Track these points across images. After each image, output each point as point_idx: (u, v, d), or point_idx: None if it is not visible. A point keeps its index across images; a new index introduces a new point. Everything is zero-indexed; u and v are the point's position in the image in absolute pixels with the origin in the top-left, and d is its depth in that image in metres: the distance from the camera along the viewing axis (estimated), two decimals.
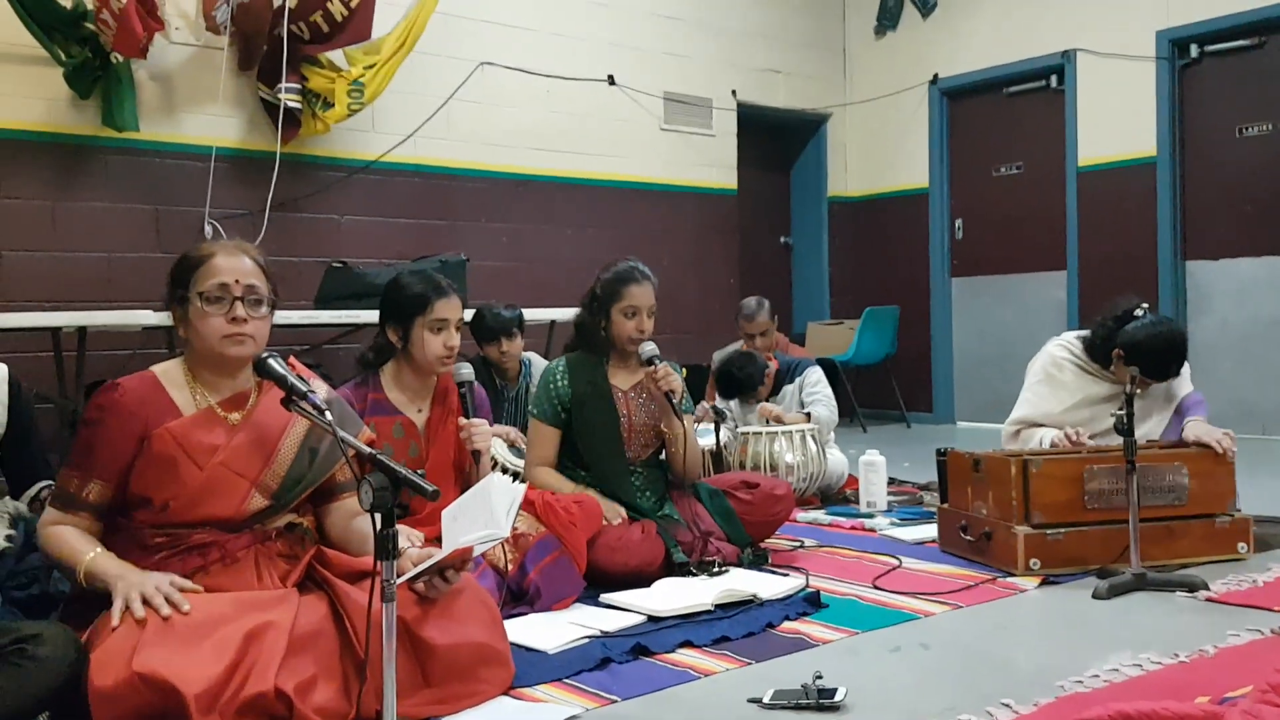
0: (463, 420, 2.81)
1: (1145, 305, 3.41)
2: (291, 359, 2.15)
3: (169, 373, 2.14)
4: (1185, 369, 3.48)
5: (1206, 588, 2.80)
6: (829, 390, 4.61)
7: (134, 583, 1.90)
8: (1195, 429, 3.29)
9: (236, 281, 2.08)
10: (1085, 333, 3.58)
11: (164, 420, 2.06)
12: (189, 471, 2.04)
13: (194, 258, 2.12)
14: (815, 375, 4.64)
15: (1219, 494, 3.17)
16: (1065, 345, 3.58)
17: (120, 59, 4.73)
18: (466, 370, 2.87)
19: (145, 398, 2.07)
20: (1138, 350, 3.27)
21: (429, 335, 2.79)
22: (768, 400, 4.61)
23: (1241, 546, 3.16)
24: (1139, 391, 3.17)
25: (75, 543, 2.01)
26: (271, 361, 2.02)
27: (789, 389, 4.62)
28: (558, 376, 3.26)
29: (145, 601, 1.86)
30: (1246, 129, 6.37)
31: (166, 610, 1.84)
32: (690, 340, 6.74)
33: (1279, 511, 3.79)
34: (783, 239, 8.48)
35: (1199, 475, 3.14)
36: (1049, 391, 3.53)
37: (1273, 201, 6.25)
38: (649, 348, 3.21)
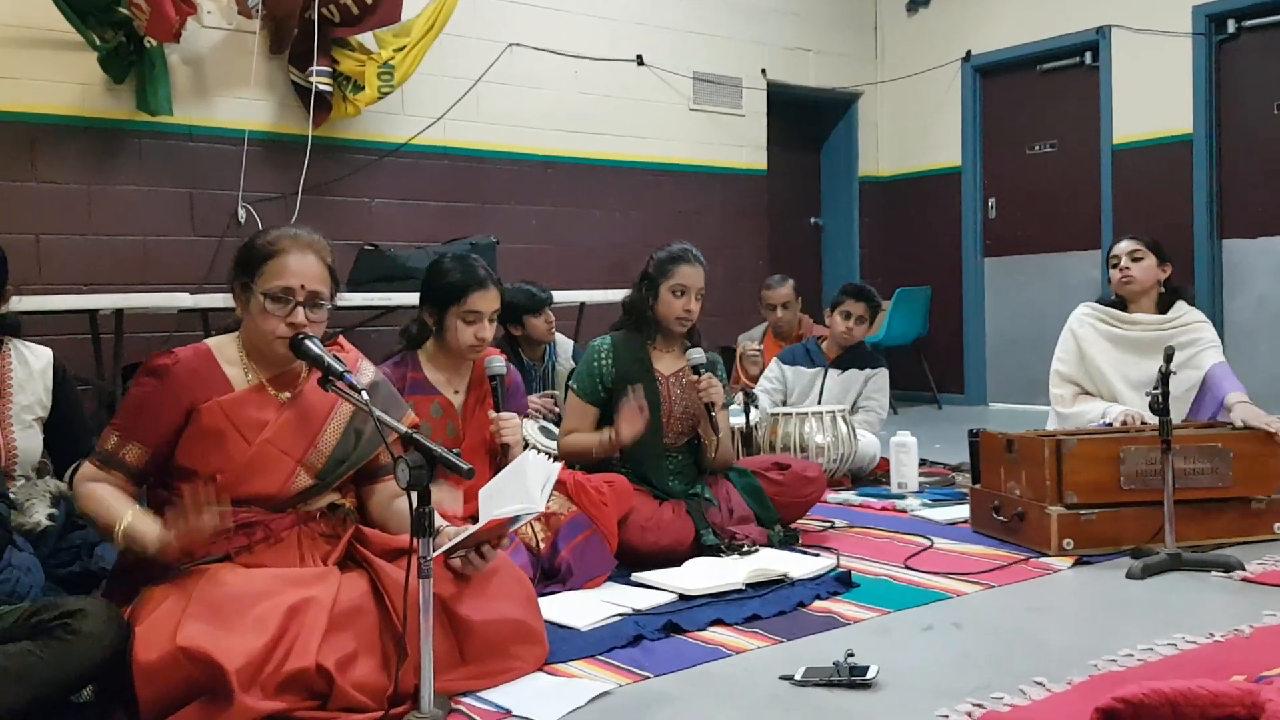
0: (492, 414, 2.82)
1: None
2: (340, 340, 2.17)
3: (223, 348, 2.17)
4: (1216, 339, 3.59)
5: (1242, 568, 2.78)
6: (887, 398, 4.59)
7: (176, 527, 1.90)
8: (1245, 412, 3.26)
9: (302, 287, 2.09)
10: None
11: (214, 394, 2.08)
12: (237, 446, 2.06)
13: (264, 249, 2.11)
14: (883, 379, 4.59)
15: (1265, 476, 3.13)
16: (1087, 305, 3.79)
17: (154, 43, 4.77)
18: (499, 364, 2.86)
19: (198, 369, 2.10)
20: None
21: (461, 325, 2.79)
22: (831, 365, 4.59)
23: (1277, 527, 3.13)
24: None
25: (113, 502, 2.02)
26: (308, 343, 2.04)
27: (856, 374, 4.57)
28: (603, 355, 3.26)
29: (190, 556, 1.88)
30: None
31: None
32: (719, 323, 6.70)
33: None
34: (813, 220, 8.43)
35: (1244, 457, 3.10)
36: (1073, 345, 3.73)
37: None
38: (698, 354, 3.21)
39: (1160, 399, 2.76)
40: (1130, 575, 2.76)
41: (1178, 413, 3.34)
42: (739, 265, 7.24)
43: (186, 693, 1.78)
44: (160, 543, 1.92)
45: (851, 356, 4.62)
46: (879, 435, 4.54)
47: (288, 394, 2.15)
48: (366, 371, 2.20)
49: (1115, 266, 3.64)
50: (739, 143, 7.37)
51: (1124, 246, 3.66)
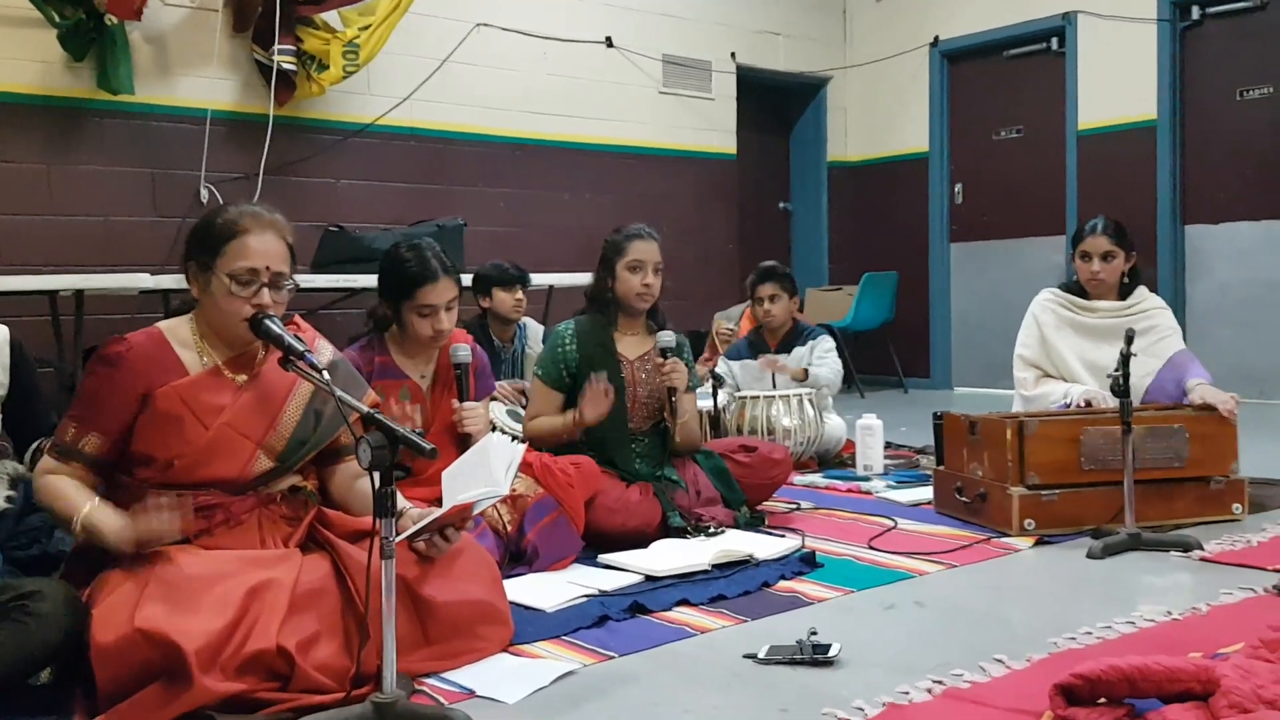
0: (455, 404, 2.79)
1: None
2: (297, 319, 2.15)
3: (176, 330, 2.14)
4: (1176, 326, 3.65)
5: (1200, 547, 2.82)
6: (838, 358, 4.62)
7: (137, 527, 1.89)
8: (1203, 390, 3.31)
9: (267, 268, 2.06)
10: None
11: (169, 379, 2.05)
12: (194, 430, 2.04)
13: (225, 228, 2.07)
14: (828, 343, 4.65)
15: (1219, 456, 3.18)
16: (1049, 290, 3.80)
17: (114, 21, 4.70)
18: (464, 353, 2.81)
19: (151, 354, 2.07)
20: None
21: (416, 319, 2.73)
22: (775, 352, 4.64)
23: (1236, 507, 3.18)
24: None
25: (72, 494, 2.00)
26: (268, 322, 2.02)
27: (800, 350, 4.62)
28: (566, 340, 3.26)
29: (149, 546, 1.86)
30: (1247, 92, 6.34)
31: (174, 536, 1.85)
32: (688, 306, 6.72)
33: (1274, 474, 3.82)
34: (782, 204, 8.45)
35: (1200, 437, 3.15)
36: (1035, 331, 3.75)
37: (1273, 165, 6.22)
38: (667, 337, 3.21)
39: (1121, 381, 2.79)
40: (1090, 555, 2.79)
41: (1136, 398, 3.41)
42: (709, 249, 7.24)
43: (145, 674, 1.76)
44: (117, 537, 1.90)
45: (791, 337, 4.67)
46: (845, 419, 4.57)
47: (244, 376, 2.12)
48: (325, 351, 2.18)
49: (1086, 260, 3.64)
50: (708, 126, 7.37)
51: (1098, 244, 3.62)
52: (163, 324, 2.16)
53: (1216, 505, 3.16)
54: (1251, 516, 3.20)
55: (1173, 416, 3.18)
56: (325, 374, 1.93)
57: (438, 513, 1.96)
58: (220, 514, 2.05)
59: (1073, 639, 2.14)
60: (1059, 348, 3.65)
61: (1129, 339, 2.84)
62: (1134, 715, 1.70)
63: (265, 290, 2.05)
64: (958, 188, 7.77)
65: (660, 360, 3.20)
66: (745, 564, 2.75)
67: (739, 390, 4.50)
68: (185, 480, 2.03)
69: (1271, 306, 6.27)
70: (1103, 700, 1.72)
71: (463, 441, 2.74)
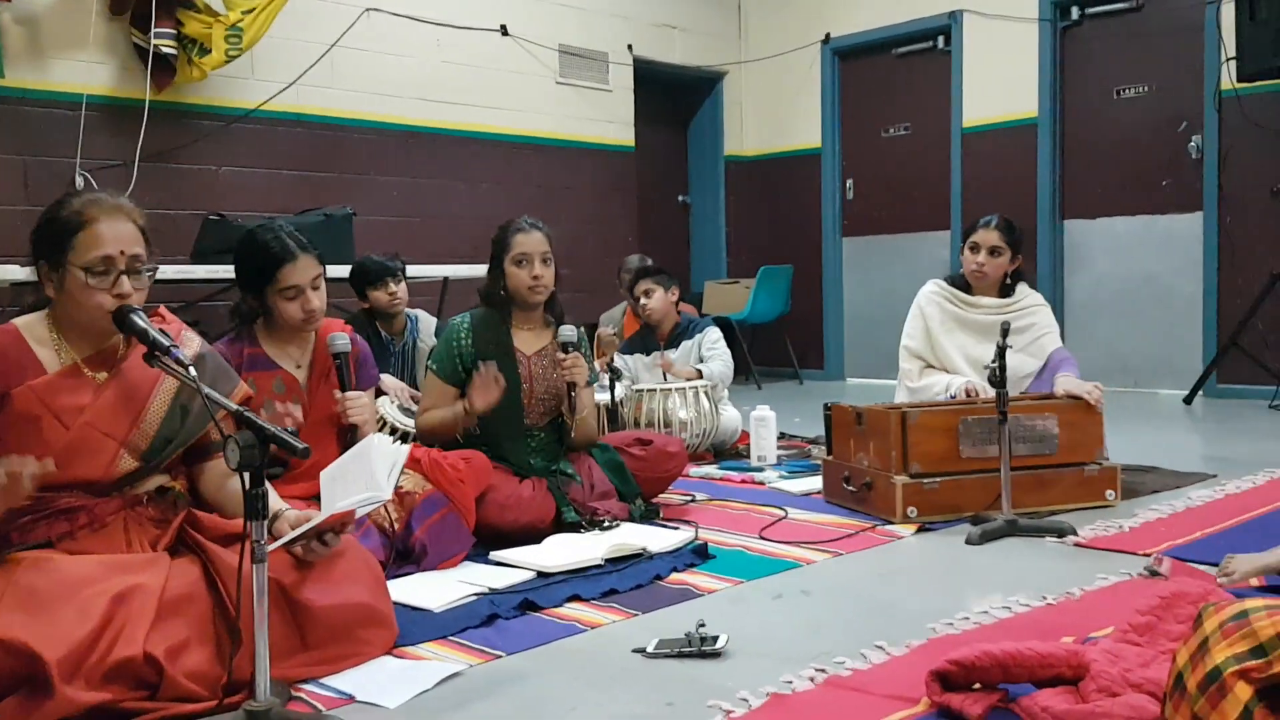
0: (337, 394, 2.70)
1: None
2: (161, 310, 2.06)
3: (32, 327, 2.03)
4: (1054, 323, 3.76)
5: (1075, 533, 2.92)
6: (727, 350, 4.69)
7: None
8: (1066, 382, 3.43)
9: (121, 253, 1.97)
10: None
11: (26, 377, 1.96)
12: (53, 431, 1.95)
13: (71, 220, 1.97)
14: (715, 334, 4.73)
15: (1087, 443, 3.30)
16: (934, 283, 3.88)
17: None
18: (341, 342, 2.71)
19: (6, 352, 1.97)
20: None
21: (283, 302, 2.63)
22: (666, 346, 4.69)
23: (1109, 494, 3.30)
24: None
25: None
26: (134, 316, 1.93)
27: (688, 344, 4.68)
28: (462, 334, 3.21)
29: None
30: (1124, 91, 6.59)
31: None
32: (588, 299, 6.70)
33: (1148, 461, 3.97)
34: (681, 198, 8.49)
35: (1068, 425, 3.27)
36: (921, 324, 3.83)
37: (1147, 162, 6.49)
38: (569, 332, 3.19)
39: (998, 372, 2.87)
40: (969, 541, 2.87)
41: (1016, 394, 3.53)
42: (609, 242, 7.23)
43: (4, 686, 1.68)
44: None
45: (680, 331, 4.74)
46: (742, 411, 4.62)
47: (105, 374, 2.03)
48: (191, 342, 2.10)
49: (974, 251, 3.73)
50: (607, 118, 7.35)
51: (988, 238, 3.70)
52: (19, 321, 2.05)
53: (1091, 491, 3.28)
54: (1124, 502, 3.31)
55: (1044, 406, 3.29)
56: (192, 369, 1.85)
57: (316, 519, 1.90)
58: (83, 517, 1.96)
59: (950, 624, 2.20)
60: (944, 343, 3.75)
61: (1004, 332, 2.93)
62: (1008, 700, 1.75)
63: (124, 278, 1.97)
64: (849, 183, 7.91)
65: (561, 356, 3.17)
66: (638, 558, 2.75)
67: (633, 382, 4.52)
68: (46, 483, 1.93)
69: (1146, 299, 6.54)
70: (978, 686, 1.76)
71: (344, 433, 2.67)
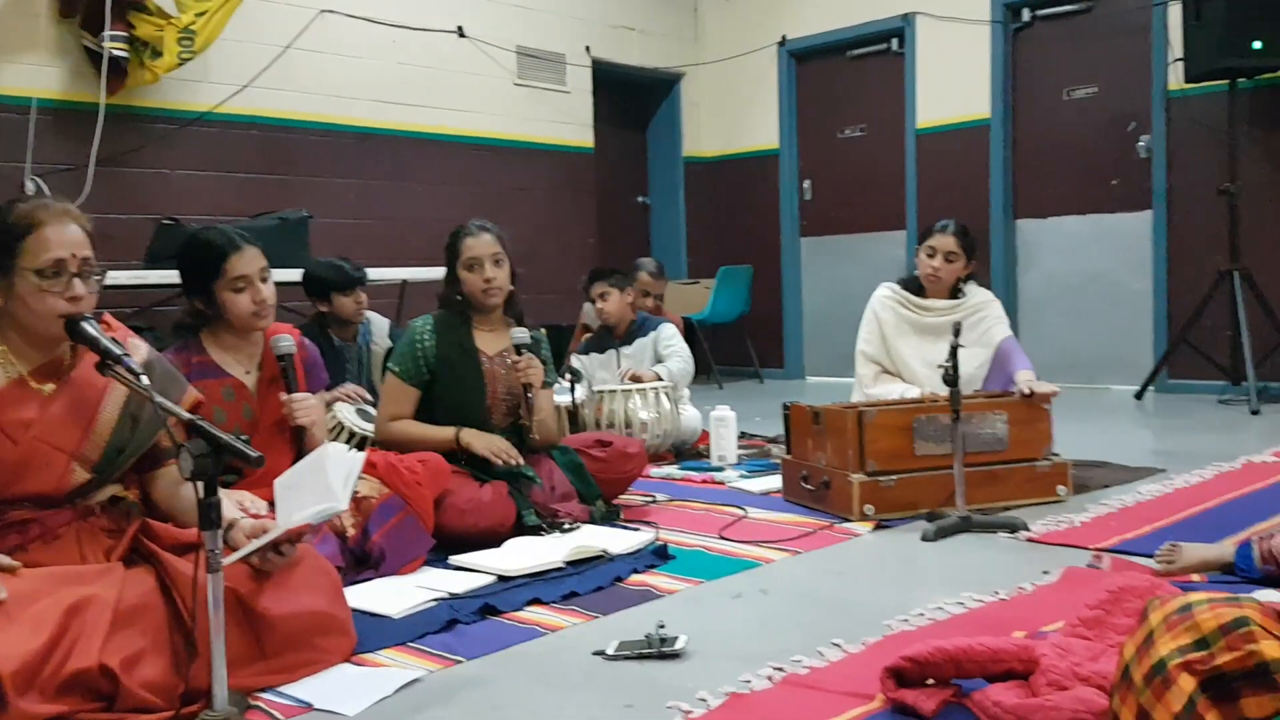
0: (284, 396, 2.68)
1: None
2: (107, 317, 2.04)
3: None
4: (1003, 314, 3.85)
5: (1027, 528, 2.97)
6: (684, 345, 4.71)
7: None
8: (1030, 381, 3.48)
9: (73, 256, 1.95)
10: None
11: None
12: (2, 447, 1.92)
13: (18, 225, 1.95)
14: (670, 331, 4.76)
15: (1036, 440, 3.36)
16: (887, 286, 3.95)
17: None
18: (286, 343, 2.70)
19: None
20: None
21: (233, 296, 2.62)
22: (620, 347, 4.71)
23: (1060, 489, 3.36)
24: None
25: None
26: (85, 325, 1.91)
27: (644, 342, 4.70)
28: (425, 336, 3.20)
29: None
30: (1073, 91, 6.70)
31: None
32: (548, 301, 6.70)
33: (1099, 456, 4.04)
34: (640, 198, 8.51)
35: (1017, 423, 3.33)
36: (875, 328, 3.91)
37: (1096, 161, 6.60)
38: (521, 334, 3.19)
39: (950, 371, 2.92)
40: (924, 538, 2.91)
41: (972, 389, 3.59)
42: (568, 244, 7.24)
43: None
44: None
45: (635, 329, 4.77)
46: (702, 411, 4.64)
47: (52, 385, 2.00)
48: (139, 349, 2.07)
49: (930, 255, 3.79)
50: (565, 120, 7.35)
51: (944, 243, 3.77)
52: None
53: (1042, 487, 3.33)
54: (1075, 497, 3.37)
55: (993, 404, 3.35)
56: (144, 378, 1.84)
57: (272, 532, 1.89)
58: (35, 529, 1.94)
59: (905, 621, 2.23)
60: (898, 347, 3.81)
61: (956, 331, 2.98)
62: (960, 695, 1.78)
63: (76, 280, 1.95)
64: (806, 184, 7.97)
65: (515, 358, 3.18)
66: (599, 560, 2.75)
67: (593, 383, 4.53)
68: None
69: (1096, 296, 6.65)
70: (931, 681, 1.79)
71: (297, 435, 2.65)
